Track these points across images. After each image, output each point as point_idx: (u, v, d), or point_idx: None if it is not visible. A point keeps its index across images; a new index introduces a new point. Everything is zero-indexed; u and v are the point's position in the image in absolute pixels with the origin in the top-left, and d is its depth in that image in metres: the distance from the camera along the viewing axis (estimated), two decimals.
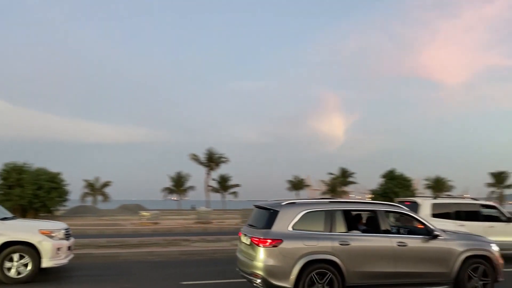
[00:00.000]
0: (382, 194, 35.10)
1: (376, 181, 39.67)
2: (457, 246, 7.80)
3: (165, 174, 71.51)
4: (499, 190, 67.26)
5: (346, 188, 68.90)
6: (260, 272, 6.90)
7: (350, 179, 68.59)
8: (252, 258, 7.11)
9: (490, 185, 68.64)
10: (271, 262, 6.84)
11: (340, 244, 7.12)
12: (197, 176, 68.28)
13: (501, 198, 66.50)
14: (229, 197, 70.64)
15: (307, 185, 77.94)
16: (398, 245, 7.46)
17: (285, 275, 6.81)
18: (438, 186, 65.75)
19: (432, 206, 11.54)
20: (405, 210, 8.18)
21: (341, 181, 66.94)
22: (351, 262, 7.10)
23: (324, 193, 69.22)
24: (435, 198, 12.76)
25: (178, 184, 67.60)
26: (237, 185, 70.07)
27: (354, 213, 8.27)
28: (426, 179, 67.24)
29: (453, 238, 7.97)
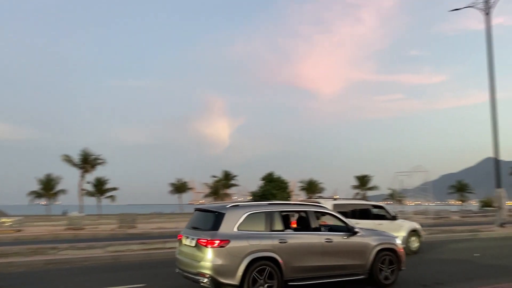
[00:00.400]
0: (261, 196, 36.51)
1: (256, 184, 41.23)
2: (371, 241, 8.85)
3: (33, 176, 64.67)
4: (362, 192, 74.99)
5: (228, 191, 70.17)
6: (208, 272, 7.19)
7: (233, 182, 70.00)
8: (199, 258, 7.35)
9: (355, 187, 76.22)
10: (219, 261, 7.17)
11: (279, 242, 7.70)
12: (70, 179, 63.21)
13: (364, 199, 74.23)
14: (106, 201, 66.57)
15: (190, 188, 77.49)
16: (326, 241, 8.27)
17: (232, 273, 7.20)
18: (311, 188, 70.82)
19: (333, 206, 12.53)
20: (329, 210, 9.16)
21: (224, 183, 67.97)
22: (289, 258, 7.71)
23: (206, 196, 69.62)
24: (334, 199, 13.96)
25: (48, 188, 61.50)
26: (114, 189, 66.43)
27: (289, 213, 8.82)
28: (301, 182, 72.10)
29: (368, 234, 8.98)
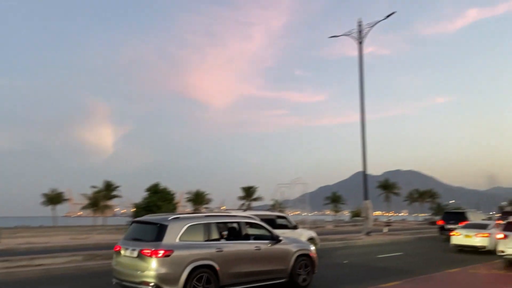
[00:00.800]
0: (145, 207, 35.20)
1: (141, 195, 39.64)
2: (292, 248, 9.93)
3: None
4: (247, 202, 77.04)
5: (110, 202, 66.35)
6: (152, 280, 7.61)
7: (115, 193, 66.40)
8: (143, 268, 7.75)
9: (241, 198, 78.03)
10: (163, 270, 7.65)
11: (216, 251, 8.39)
12: None
13: (250, 209, 76.28)
14: None
15: (67, 199, 71.59)
16: (255, 249, 9.14)
17: (175, 281, 7.73)
18: (198, 199, 70.59)
19: None
20: (258, 220, 9.95)
21: (104, 194, 64.10)
22: (224, 265, 8.38)
23: (84, 207, 64.92)
24: (244, 210, 14.19)
25: None
26: None
27: (223, 224, 9.50)
28: (188, 193, 71.48)
29: (289, 241, 10.13)
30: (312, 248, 10.63)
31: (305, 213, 42.94)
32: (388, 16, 29.42)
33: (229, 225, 9.64)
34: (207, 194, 72.12)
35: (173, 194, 38.45)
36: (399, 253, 18.57)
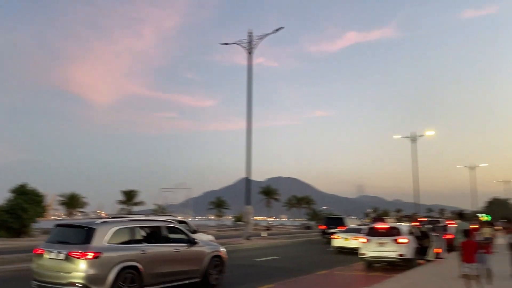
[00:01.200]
0: (9, 210, 31.40)
1: (4, 196, 35.23)
2: (206, 249, 10.81)
3: None
4: (128, 207, 73.60)
5: None
6: (81, 281, 7.92)
7: None
8: (70, 270, 8.02)
9: (121, 202, 74.22)
10: (91, 271, 7.98)
11: (141, 253, 8.91)
12: None
13: (130, 214, 72.98)
14: None
15: None
16: (175, 251, 9.85)
17: (103, 281, 8.09)
18: (72, 202, 65.43)
19: None
20: (177, 225, 11.00)
21: None
22: (148, 266, 8.92)
23: None
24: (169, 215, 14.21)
25: None
26: None
27: (147, 227, 9.88)
28: (61, 195, 65.81)
29: (204, 244, 11.01)
30: (223, 249, 11.47)
31: (188, 218, 42.57)
32: (276, 30, 30.85)
33: (152, 228, 10.04)
34: (82, 197, 67.16)
35: (42, 196, 34.88)
36: (276, 257, 19.36)
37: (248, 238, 28.46)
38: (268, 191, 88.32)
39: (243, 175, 30.92)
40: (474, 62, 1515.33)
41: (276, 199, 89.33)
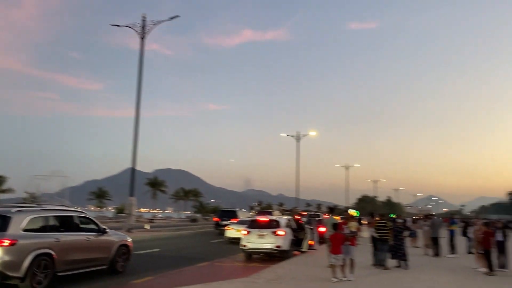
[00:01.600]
0: None
1: None
2: (115, 238, 11.67)
3: None
4: None
5: None
6: None
7: None
8: None
9: None
10: (7, 258, 8.34)
11: (55, 241, 9.39)
12: None
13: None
14: None
15: None
16: (86, 240, 10.50)
17: (18, 267, 8.45)
18: None
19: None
20: (87, 215, 11.46)
21: None
22: (61, 253, 9.43)
23: None
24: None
25: None
26: None
27: (60, 216, 10.26)
28: None
29: (113, 233, 11.74)
30: (129, 239, 12.32)
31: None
32: (172, 18, 30.16)
33: (65, 218, 10.39)
34: None
35: None
36: (157, 249, 19.03)
37: (129, 230, 27.46)
38: (155, 183, 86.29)
39: (128, 165, 29.71)
40: (359, 69, 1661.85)
41: (163, 191, 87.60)
